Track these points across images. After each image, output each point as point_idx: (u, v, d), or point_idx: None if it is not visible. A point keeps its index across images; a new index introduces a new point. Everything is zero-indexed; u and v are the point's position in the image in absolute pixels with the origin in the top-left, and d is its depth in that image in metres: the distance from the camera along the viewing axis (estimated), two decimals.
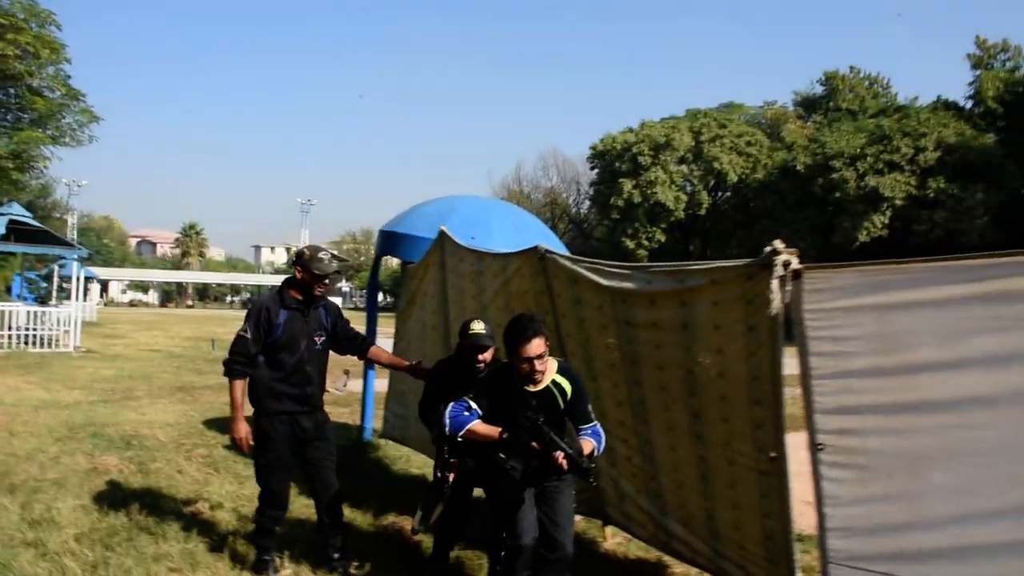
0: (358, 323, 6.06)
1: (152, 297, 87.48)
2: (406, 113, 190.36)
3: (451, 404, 4.31)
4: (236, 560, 5.22)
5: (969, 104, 46.03)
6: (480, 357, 4.80)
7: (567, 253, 5.38)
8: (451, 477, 4.72)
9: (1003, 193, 39.80)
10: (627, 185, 48.23)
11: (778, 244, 3.81)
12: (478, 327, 4.83)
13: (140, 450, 8.53)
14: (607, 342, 4.85)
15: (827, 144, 42.83)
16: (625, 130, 51.71)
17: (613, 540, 6.02)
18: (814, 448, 3.85)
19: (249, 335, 4.89)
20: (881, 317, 3.60)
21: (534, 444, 4.14)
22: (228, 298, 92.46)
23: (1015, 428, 3.29)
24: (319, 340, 5.11)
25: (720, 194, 51.42)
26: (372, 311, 9.64)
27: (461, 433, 4.25)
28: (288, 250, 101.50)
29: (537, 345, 4.15)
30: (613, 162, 50.21)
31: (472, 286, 6.21)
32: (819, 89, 56.06)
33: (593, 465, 4.15)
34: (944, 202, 39.56)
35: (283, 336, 4.95)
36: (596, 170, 53.76)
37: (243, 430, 4.95)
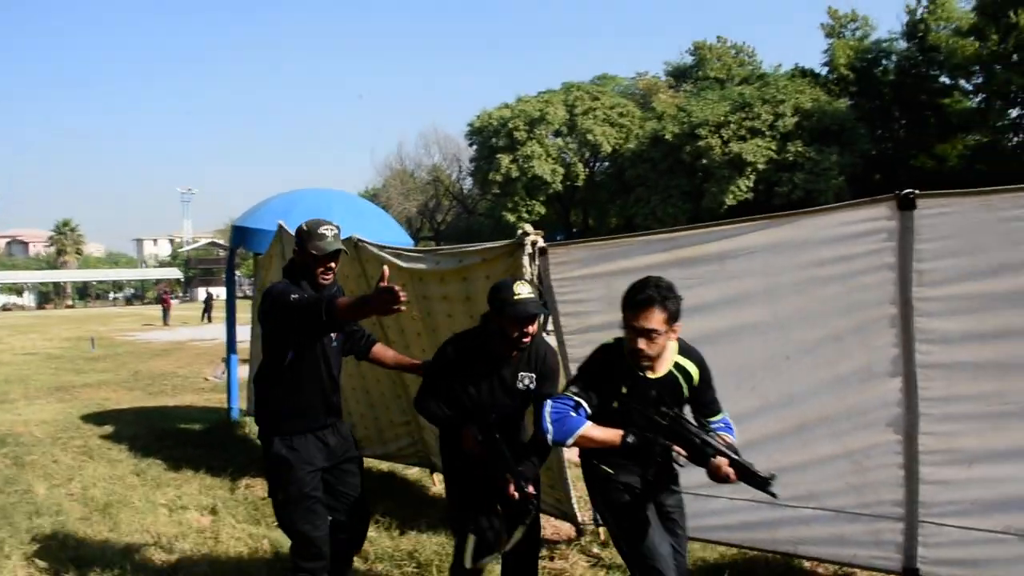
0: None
1: (28, 300, 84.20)
2: (289, 97, 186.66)
3: (549, 402, 3.38)
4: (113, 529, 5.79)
5: (824, 71, 48.53)
6: (527, 330, 3.67)
7: (408, 239, 6.16)
8: (532, 491, 3.65)
9: (855, 154, 42.42)
10: (505, 160, 49.17)
11: (527, 227, 4.70)
12: (523, 290, 3.63)
13: (16, 447, 8.77)
14: (411, 315, 5.63)
15: (693, 113, 44.68)
16: (501, 106, 52.59)
17: (441, 485, 6.84)
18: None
19: (298, 294, 3.78)
20: (608, 282, 4.50)
21: (676, 449, 3.26)
22: (111, 295, 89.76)
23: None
24: (334, 337, 4.11)
25: (596, 165, 52.91)
26: (231, 302, 10.29)
27: (570, 440, 3.31)
28: (172, 242, 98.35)
29: (651, 317, 3.26)
30: (490, 138, 51.09)
31: None
32: (689, 59, 58.07)
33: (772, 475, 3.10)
34: (802, 165, 41.91)
35: None
36: (475, 146, 54.55)
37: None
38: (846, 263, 3.94)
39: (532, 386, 3.83)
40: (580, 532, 5.36)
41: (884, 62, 46.95)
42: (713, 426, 3.48)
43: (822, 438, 4.28)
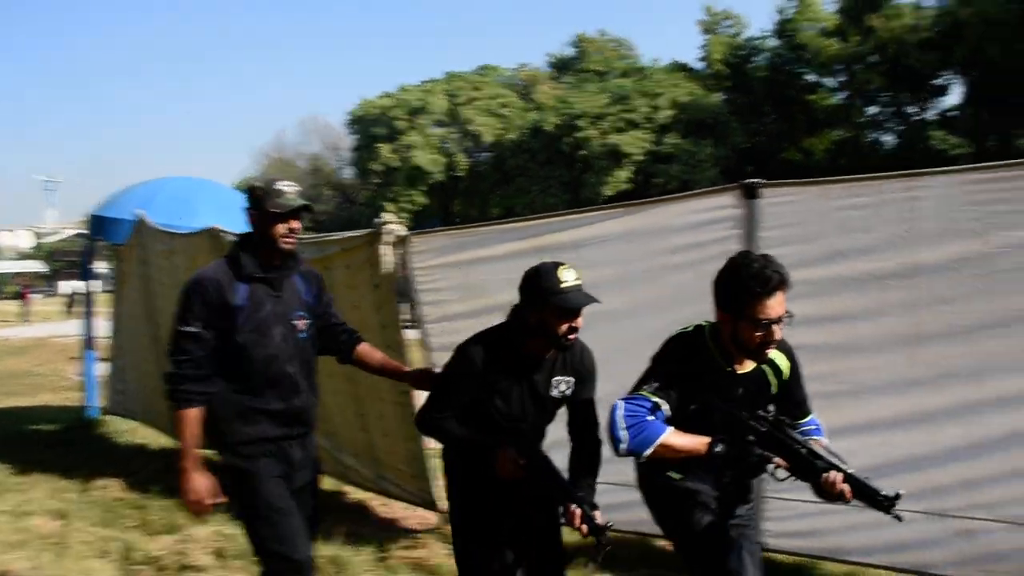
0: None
1: None
2: (165, 82, 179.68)
3: (622, 404, 2.83)
4: None
5: (700, 66, 49.89)
6: (576, 324, 3.09)
7: None
8: (601, 518, 2.91)
9: (729, 147, 43.83)
10: (385, 150, 48.68)
11: (387, 216, 4.68)
12: (568, 276, 3.07)
13: None
14: None
15: (573, 104, 45.25)
16: (382, 95, 52.09)
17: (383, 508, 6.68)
18: None
19: (199, 329, 3.16)
20: (466, 271, 4.54)
21: (774, 460, 2.77)
22: None
23: None
24: (302, 325, 3.39)
25: (477, 155, 53.03)
26: (88, 296, 9.96)
27: (649, 451, 2.75)
28: (37, 235, 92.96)
29: (782, 300, 2.76)
30: (370, 127, 50.53)
31: (167, 264, 6.71)
32: (571, 51, 58.72)
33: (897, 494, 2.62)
34: (679, 156, 42.98)
35: (247, 323, 3.23)
36: (356, 135, 53.89)
37: (202, 484, 3.19)
38: (697, 250, 4.07)
39: (569, 392, 3.25)
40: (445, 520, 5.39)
41: (756, 59, 48.53)
42: (803, 429, 2.96)
43: None
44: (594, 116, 44.00)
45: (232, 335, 3.19)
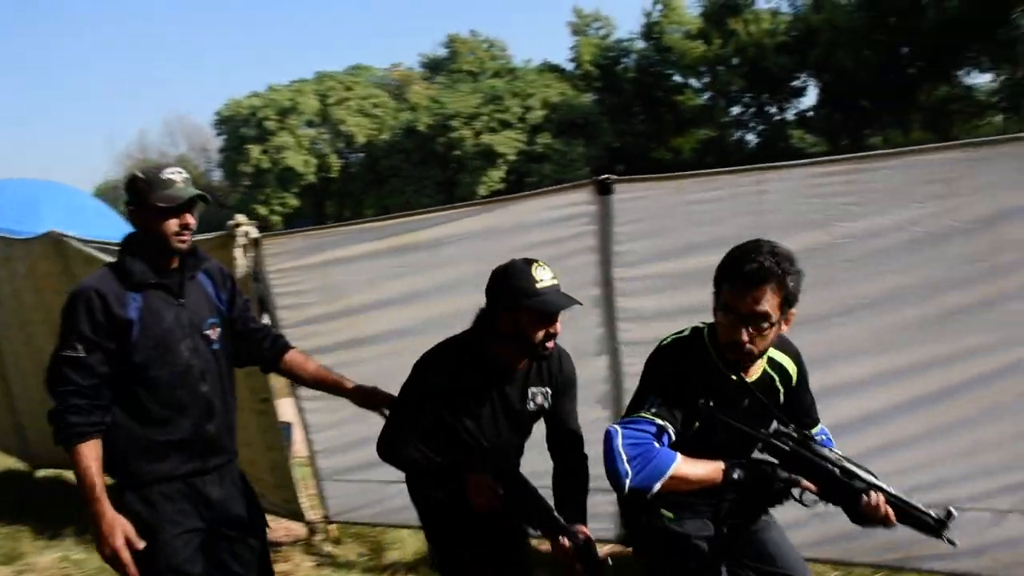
0: None
1: None
2: (22, 81, 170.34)
3: (620, 430, 2.34)
4: None
5: (571, 67, 50.67)
6: (552, 331, 2.71)
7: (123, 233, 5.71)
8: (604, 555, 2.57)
9: (600, 147, 44.74)
10: (255, 151, 47.64)
11: (240, 218, 4.50)
12: (544, 275, 2.72)
13: None
14: None
15: (446, 104, 45.33)
16: (251, 94, 50.86)
17: None
18: (294, 388, 4.64)
19: (83, 353, 2.64)
20: (324, 272, 4.42)
21: (803, 484, 2.33)
22: None
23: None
24: (212, 335, 2.90)
25: (350, 156, 52.40)
26: None
27: (658, 485, 2.27)
28: None
29: (763, 296, 2.34)
30: (239, 127, 49.28)
31: (4, 273, 6.32)
32: (443, 51, 58.70)
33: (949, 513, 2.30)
34: (551, 156, 43.63)
35: (144, 339, 2.72)
36: (223, 136, 52.41)
37: (119, 530, 2.61)
38: (554, 246, 4.06)
39: (547, 405, 2.88)
40: (313, 531, 5.24)
41: (625, 60, 49.68)
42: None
43: None
44: (467, 116, 44.17)
45: (128, 355, 2.69)
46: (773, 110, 45.79)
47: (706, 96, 47.03)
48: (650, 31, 47.75)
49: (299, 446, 5.17)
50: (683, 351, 2.53)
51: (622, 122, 47.83)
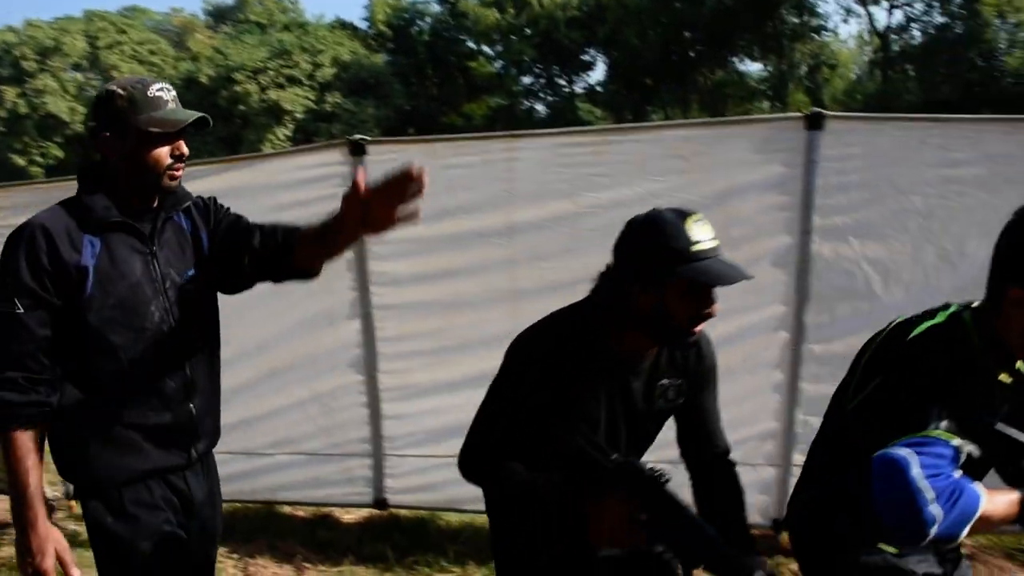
0: None
1: None
2: None
3: (912, 456, 1.64)
4: None
5: (364, 26, 49.81)
6: (708, 311, 1.94)
7: None
8: None
9: (391, 108, 44.27)
10: (11, 93, 43.50)
11: None
12: (703, 234, 1.88)
13: None
14: None
15: (230, 56, 43.26)
16: (4, 28, 46.48)
17: None
18: None
19: (22, 310, 2.00)
20: None
21: None
22: None
23: None
24: (191, 287, 2.23)
25: None
26: None
27: (966, 530, 1.66)
28: None
29: None
30: None
31: None
32: (230, 0, 56.05)
33: None
34: (340, 115, 42.66)
35: (103, 296, 2.07)
36: None
37: (51, 548, 2.03)
38: (302, 208, 3.94)
39: (680, 400, 2.15)
40: (53, 509, 4.86)
41: (420, 23, 49.30)
42: None
43: (293, 383, 4.35)
44: (253, 70, 42.36)
45: (82, 315, 2.05)
46: (563, 82, 47.07)
47: (499, 64, 47.58)
48: None
49: None
50: (947, 348, 1.84)
51: (414, 85, 47.57)
